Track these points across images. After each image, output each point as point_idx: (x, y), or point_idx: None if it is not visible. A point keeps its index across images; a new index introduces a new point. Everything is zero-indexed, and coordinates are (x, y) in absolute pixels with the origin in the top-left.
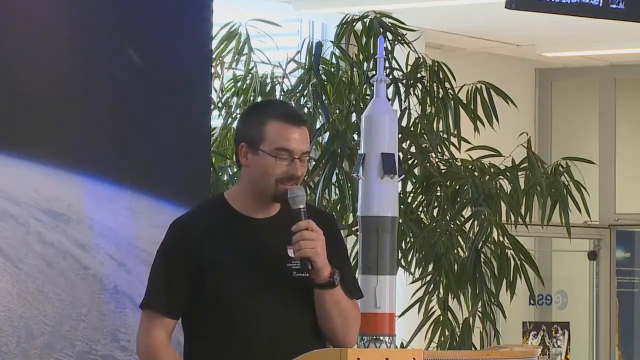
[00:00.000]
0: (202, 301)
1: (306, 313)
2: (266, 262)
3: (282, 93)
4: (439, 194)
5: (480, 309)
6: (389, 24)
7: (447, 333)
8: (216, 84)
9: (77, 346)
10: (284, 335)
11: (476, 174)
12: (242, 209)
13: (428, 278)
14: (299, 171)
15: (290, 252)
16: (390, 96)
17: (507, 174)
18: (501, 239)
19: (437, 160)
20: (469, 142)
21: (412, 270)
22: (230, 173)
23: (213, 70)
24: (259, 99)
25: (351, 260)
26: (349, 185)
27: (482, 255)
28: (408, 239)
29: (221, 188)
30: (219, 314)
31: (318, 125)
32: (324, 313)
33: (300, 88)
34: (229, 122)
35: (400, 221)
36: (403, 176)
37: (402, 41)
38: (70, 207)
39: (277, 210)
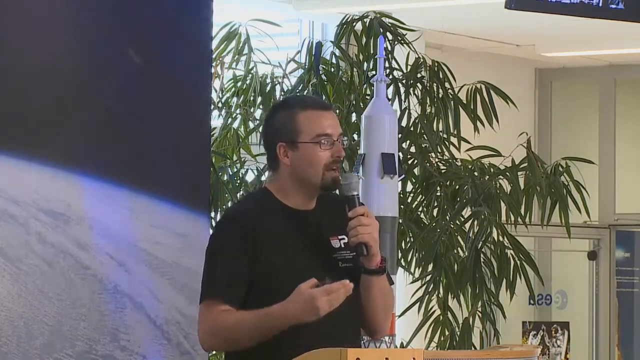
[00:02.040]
0: (256, 289)
1: (354, 302)
2: (315, 252)
3: (282, 93)
4: (439, 194)
5: (480, 309)
6: (389, 24)
7: (447, 333)
8: (216, 84)
9: (77, 346)
10: (334, 325)
11: (476, 174)
12: (288, 202)
13: (428, 278)
14: (342, 153)
15: (334, 243)
16: (390, 96)
17: (507, 174)
18: (501, 239)
19: (437, 160)
20: (469, 142)
21: (412, 270)
22: (230, 173)
23: (213, 70)
24: (259, 99)
25: None
26: None
27: (482, 255)
28: (408, 239)
29: (221, 188)
30: (271, 301)
31: None
32: (370, 299)
33: (300, 88)
34: (229, 122)
35: (400, 221)
36: (403, 176)
37: (402, 41)
38: (70, 207)
39: (314, 204)
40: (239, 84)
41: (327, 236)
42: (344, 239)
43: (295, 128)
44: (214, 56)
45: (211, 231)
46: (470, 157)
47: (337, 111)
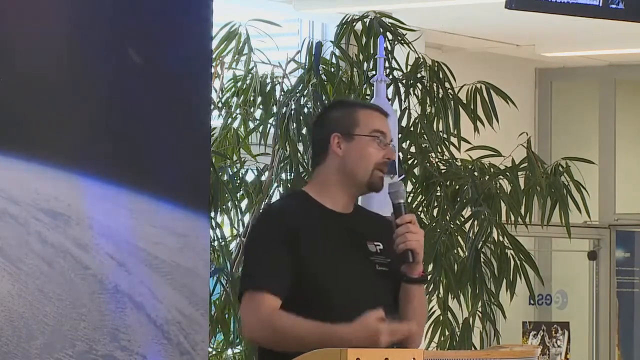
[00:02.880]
0: (296, 289)
1: (389, 306)
2: (354, 254)
3: (282, 93)
4: (439, 194)
5: (480, 309)
6: (389, 24)
7: (447, 333)
8: (216, 84)
9: (77, 346)
10: None
11: (476, 174)
12: (326, 203)
13: (428, 278)
14: (393, 156)
15: (371, 247)
16: (390, 96)
17: (507, 174)
18: (501, 239)
19: (437, 160)
20: (469, 142)
21: None
22: (230, 173)
23: (213, 70)
24: (259, 99)
25: None
26: None
27: (482, 255)
28: None
29: (221, 188)
30: (312, 302)
31: None
32: (410, 307)
33: (300, 88)
34: (229, 122)
35: None
36: (403, 176)
37: (402, 41)
38: (70, 207)
39: (352, 207)
40: (239, 84)
41: (365, 240)
42: (379, 245)
43: (353, 121)
44: (214, 56)
45: (251, 229)
46: (470, 157)
47: None
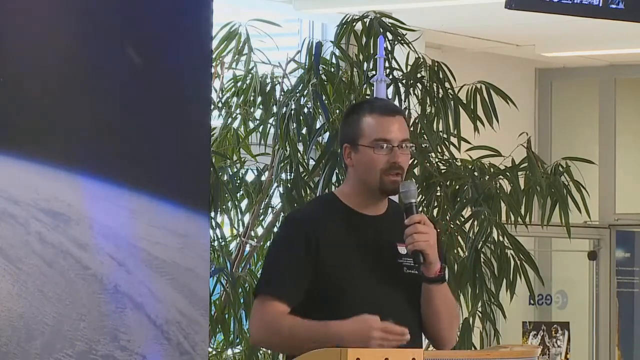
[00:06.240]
0: (317, 292)
1: (415, 309)
2: (378, 256)
3: (282, 93)
4: (439, 194)
5: (480, 309)
6: (389, 24)
7: None
8: (216, 84)
9: (77, 346)
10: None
11: (476, 174)
12: (354, 205)
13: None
14: (399, 159)
15: (401, 249)
16: (390, 96)
17: (507, 174)
18: (501, 239)
19: (437, 160)
20: (469, 142)
21: None
22: (230, 173)
23: (213, 70)
24: (259, 99)
25: None
26: None
27: (482, 255)
28: None
29: (221, 188)
30: (332, 305)
31: (318, 125)
32: (432, 309)
33: (300, 88)
34: (229, 122)
35: None
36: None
37: (402, 41)
38: (70, 207)
39: (385, 208)
40: (239, 84)
41: (394, 241)
42: None
43: (358, 131)
44: (214, 56)
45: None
46: (470, 157)
47: (337, 111)
